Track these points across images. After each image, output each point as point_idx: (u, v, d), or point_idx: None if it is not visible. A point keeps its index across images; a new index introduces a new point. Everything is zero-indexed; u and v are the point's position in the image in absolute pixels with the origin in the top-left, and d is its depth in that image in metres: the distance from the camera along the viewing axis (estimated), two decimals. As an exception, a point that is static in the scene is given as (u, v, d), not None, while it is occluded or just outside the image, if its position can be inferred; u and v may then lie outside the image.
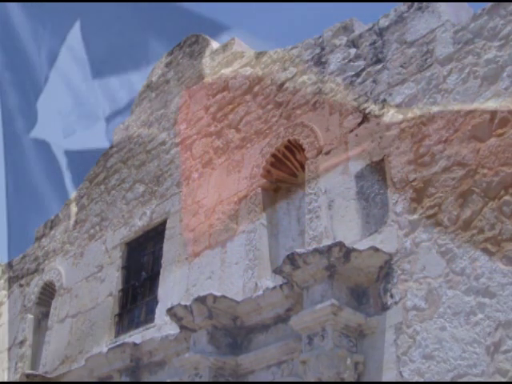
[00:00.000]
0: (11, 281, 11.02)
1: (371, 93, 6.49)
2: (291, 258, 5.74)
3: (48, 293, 10.10)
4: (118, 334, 8.33)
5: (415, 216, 5.58)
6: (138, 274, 8.66)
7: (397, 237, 5.65)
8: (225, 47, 9.00)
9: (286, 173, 7.27)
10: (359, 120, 6.49)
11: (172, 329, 7.12)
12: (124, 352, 7.41)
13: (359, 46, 6.88)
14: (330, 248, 5.54)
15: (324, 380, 5.32)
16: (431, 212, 5.48)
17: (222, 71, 8.73)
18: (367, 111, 6.44)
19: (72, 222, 10.15)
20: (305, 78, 7.36)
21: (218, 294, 6.43)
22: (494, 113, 5.34)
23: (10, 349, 10.10)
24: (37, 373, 8.71)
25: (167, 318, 7.11)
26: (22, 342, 9.89)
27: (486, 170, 5.23)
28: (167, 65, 10.08)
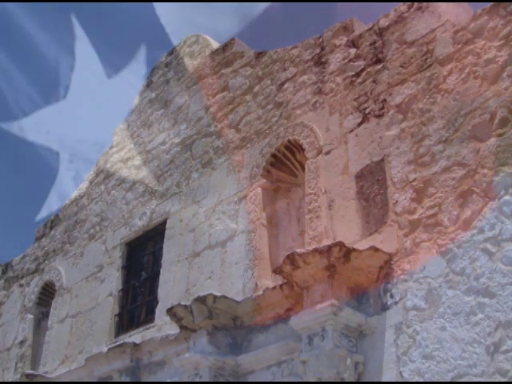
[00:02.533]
0: (11, 281, 11.02)
1: (371, 93, 6.49)
2: (291, 258, 5.74)
3: (48, 293, 10.09)
4: (117, 333, 8.33)
5: (415, 216, 5.58)
6: (138, 274, 8.66)
7: (397, 237, 5.65)
8: (225, 47, 9.00)
9: (286, 173, 7.27)
10: (359, 120, 6.49)
11: (172, 329, 7.12)
12: (124, 352, 7.41)
13: (359, 45, 6.88)
14: (329, 248, 5.54)
15: (324, 380, 5.31)
16: (431, 212, 5.48)
17: (222, 71, 8.73)
18: (367, 111, 6.44)
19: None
20: (305, 77, 7.36)
21: (218, 294, 6.43)
22: (494, 113, 5.34)
23: (9, 349, 10.10)
24: (37, 373, 8.71)
25: (167, 318, 7.11)
26: (22, 342, 9.88)
27: (485, 170, 5.23)
28: (167, 65, 10.07)
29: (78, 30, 13.31)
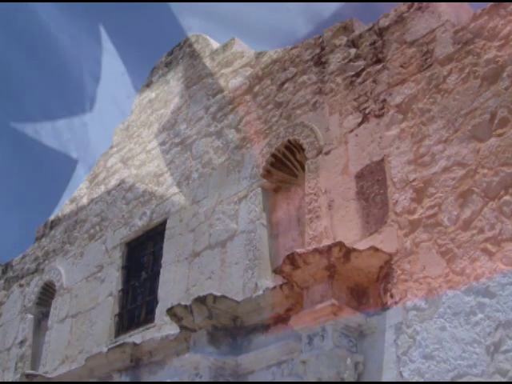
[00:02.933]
0: (11, 281, 11.02)
1: (371, 93, 6.49)
2: (291, 258, 5.74)
3: (48, 293, 10.09)
4: (118, 333, 8.33)
5: (415, 216, 5.58)
6: (138, 274, 8.66)
7: (397, 237, 5.65)
8: (225, 47, 9.01)
9: (286, 173, 7.27)
10: (359, 120, 6.49)
11: (172, 329, 7.12)
12: (124, 352, 7.41)
13: (359, 45, 6.88)
14: (329, 248, 5.54)
15: (324, 380, 5.31)
16: (431, 212, 5.48)
17: (222, 71, 8.73)
18: (367, 111, 6.44)
19: None
20: (305, 77, 7.36)
21: (218, 293, 6.43)
22: (494, 113, 5.34)
23: (9, 349, 10.10)
24: (37, 373, 8.70)
25: (167, 318, 7.11)
26: (22, 342, 9.88)
27: (485, 170, 5.23)
28: (167, 65, 10.07)
29: (106, 42, 13.26)
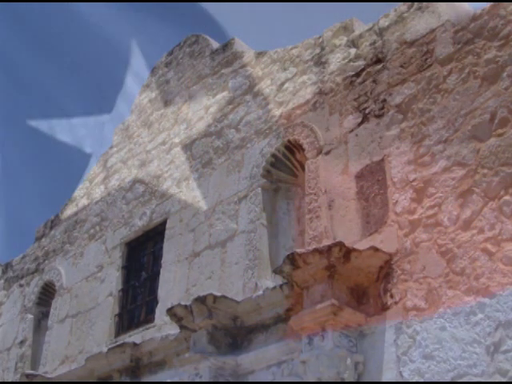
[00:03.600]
0: (11, 281, 11.02)
1: (371, 93, 6.49)
2: (291, 258, 5.74)
3: (48, 293, 10.09)
4: (118, 333, 8.33)
5: (415, 216, 5.58)
6: (138, 274, 8.66)
7: (397, 237, 5.65)
8: (225, 47, 9.00)
9: (286, 173, 7.27)
10: (359, 120, 6.49)
11: (172, 329, 7.12)
12: (124, 352, 7.41)
13: (359, 46, 6.88)
14: (329, 248, 5.54)
15: (324, 380, 5.31)
16: (431, 212, 5.48)
17: (222, 71, 8.73)
18: (367, 111, 6.44)
19: None
20: (305, 77, 7.37)
21: (218, 293, 6.43)
22: (493, 113, 5.34)
23: (9, 349, 10.10)
24: (37, 373, 8.70)
25: (167, 318, 7.11)
26: (22, 342, 9.88)
27: (485, 170, 5.23)
28: (167, 65, 10.07)
29: (136, 56, 13.15)
